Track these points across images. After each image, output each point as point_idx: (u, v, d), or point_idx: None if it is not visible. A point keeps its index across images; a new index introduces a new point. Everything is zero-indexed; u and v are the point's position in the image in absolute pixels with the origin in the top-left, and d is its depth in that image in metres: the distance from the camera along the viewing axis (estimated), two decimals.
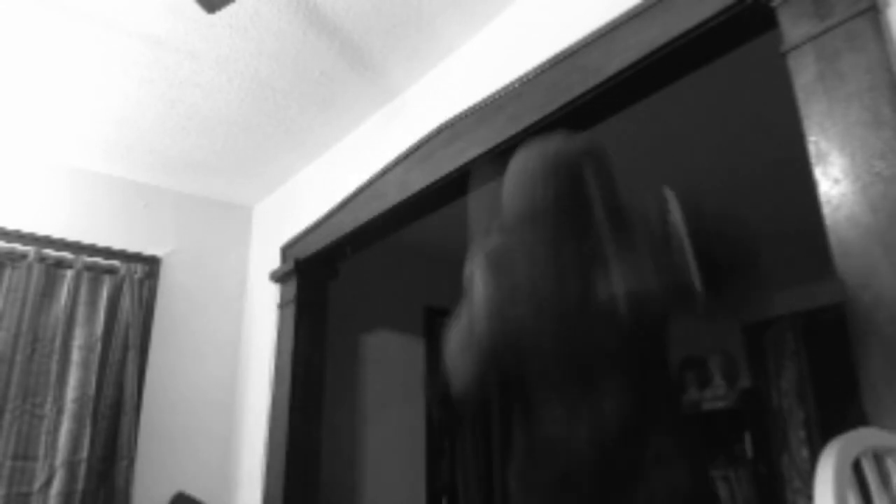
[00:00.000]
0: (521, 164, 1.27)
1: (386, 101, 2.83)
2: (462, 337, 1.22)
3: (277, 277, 3.31)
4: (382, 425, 3.79)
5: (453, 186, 2.41)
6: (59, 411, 2.85)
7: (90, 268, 3.11)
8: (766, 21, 1.52)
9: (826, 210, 1.30)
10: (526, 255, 1.19)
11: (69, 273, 3.05)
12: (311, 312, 3.19)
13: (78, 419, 2.86)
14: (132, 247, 3.31)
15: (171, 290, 3.39)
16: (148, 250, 3.35)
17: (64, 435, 2.83)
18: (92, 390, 2.93)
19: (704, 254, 1.08)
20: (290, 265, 3.19)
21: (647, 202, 1.16)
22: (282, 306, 3.25)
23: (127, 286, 3.16)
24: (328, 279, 3.28)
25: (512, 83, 2.16)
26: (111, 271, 3.16)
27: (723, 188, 3.00)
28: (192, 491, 3.18)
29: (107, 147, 3.12)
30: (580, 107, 1.92)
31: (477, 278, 1.20)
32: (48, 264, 3.01)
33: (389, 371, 3.92)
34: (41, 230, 3.07)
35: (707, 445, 4.21)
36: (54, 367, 2.89)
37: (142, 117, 2.88)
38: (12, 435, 2.73)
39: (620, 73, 1.81)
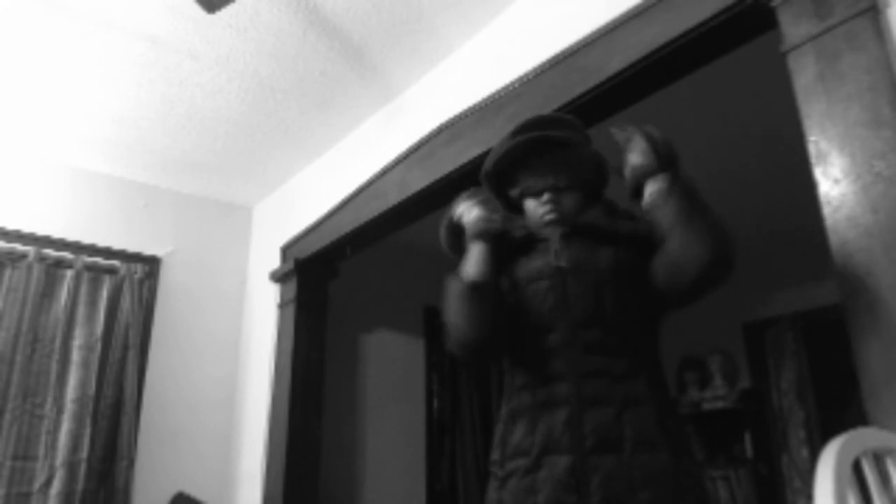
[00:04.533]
0: None
1: (386, 101, 2.83)
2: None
3: (277, 277, 3.31)
4: (382, 425, 3.79)
5: (453, 186, 2.41)
6: (59, 411, 2.86)
7: (90, 268, 3.11)
8: (766, 21, 1.52)
9: (826, 210, 1.30)
10: None
11: (69, 273, 3.05)
12: (311, 312, 3.19)
13: (78, 419, 2.87)
14: (132, 247, 3.31)
15: (171, 290, 3.39)
16: (148, 250, 3.35)
17: (64, 435, 2.83)
18: (92, 390, 2.93)
19: None
20: (290, 265, 3.19)
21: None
22: (282, 306, 3.25)
23: (127, 286, 3.16)
24: (328, 279, 3.28)
25: (512, 83, 2.16)
26: (111, 271, 3.16)
27: (722, 188, 3.00)
28: (192, 491, 3.18)
29: (107, 147, 3.12)
30: (580, 107, 1.92)
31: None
32: (48, 264, 3.02)
33: (389, 371, 3.93)
34: (41, 230, 3.07)
35: (707, 445, 4.21)
36: (54, 367, 2.89)
37: (142, 117, 2.88)
38: (12, 435, 2.74)
39: (620, 72, 1.81)
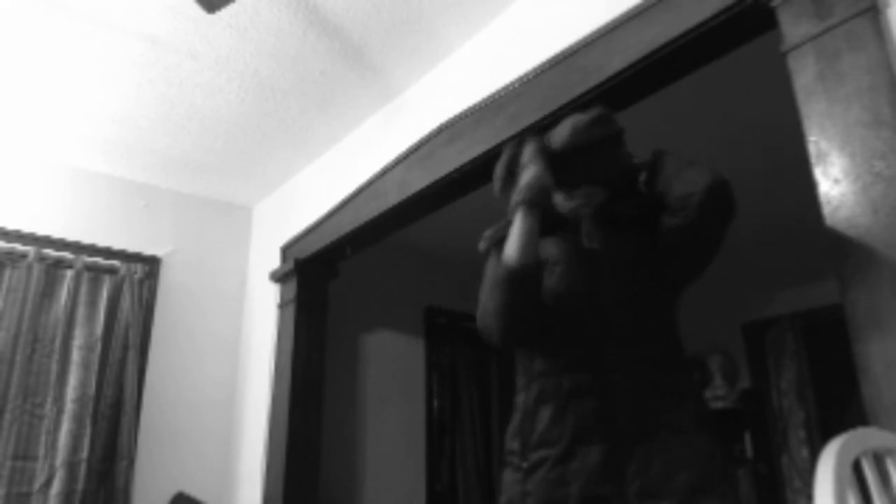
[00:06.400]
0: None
1: (386, 101, 2.83)
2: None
3: (277, 277, 3.31)
4: (382, 425, 3.79)
5: (453, 186, 2.41)
6: (59, 411, 2.85)
7: (90, 268, 3.11)
8: (766, 21, 1.52)
9: (826, 210, 1.30)
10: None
11: (69, 273, 3.05)
12: (311, 312, 3.19)
13: (78, 419, 2.86)
14: (132, 247, 3.31)
15: (171, 290, 3.39)
16: (148, 250, 3.35)
17: (64, 435, 2.83)
18: (92, 390, 2.93)
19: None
20: (290, 265, 3.19)
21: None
22: (282, 306, 3.25)
23: (127, 286, 3.16)
24: (328, 279, 3.28)
25: (512, 83, 2.16)
26: (111, 271, 3.16)
27: None
28: (192, 491, 3.18)
29: (107, 147, 3.12)
30: (580, 107, 1.92)
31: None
32: (48, 264, 3.01)
33: (389, 371, 3.93)
34: (41, 230, 3.07)
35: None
36: (54, 367, 2.89)
37: (142, 117, 2.88)
38: (12, 435, 2.74)
39: (620, 72, 1.81)
